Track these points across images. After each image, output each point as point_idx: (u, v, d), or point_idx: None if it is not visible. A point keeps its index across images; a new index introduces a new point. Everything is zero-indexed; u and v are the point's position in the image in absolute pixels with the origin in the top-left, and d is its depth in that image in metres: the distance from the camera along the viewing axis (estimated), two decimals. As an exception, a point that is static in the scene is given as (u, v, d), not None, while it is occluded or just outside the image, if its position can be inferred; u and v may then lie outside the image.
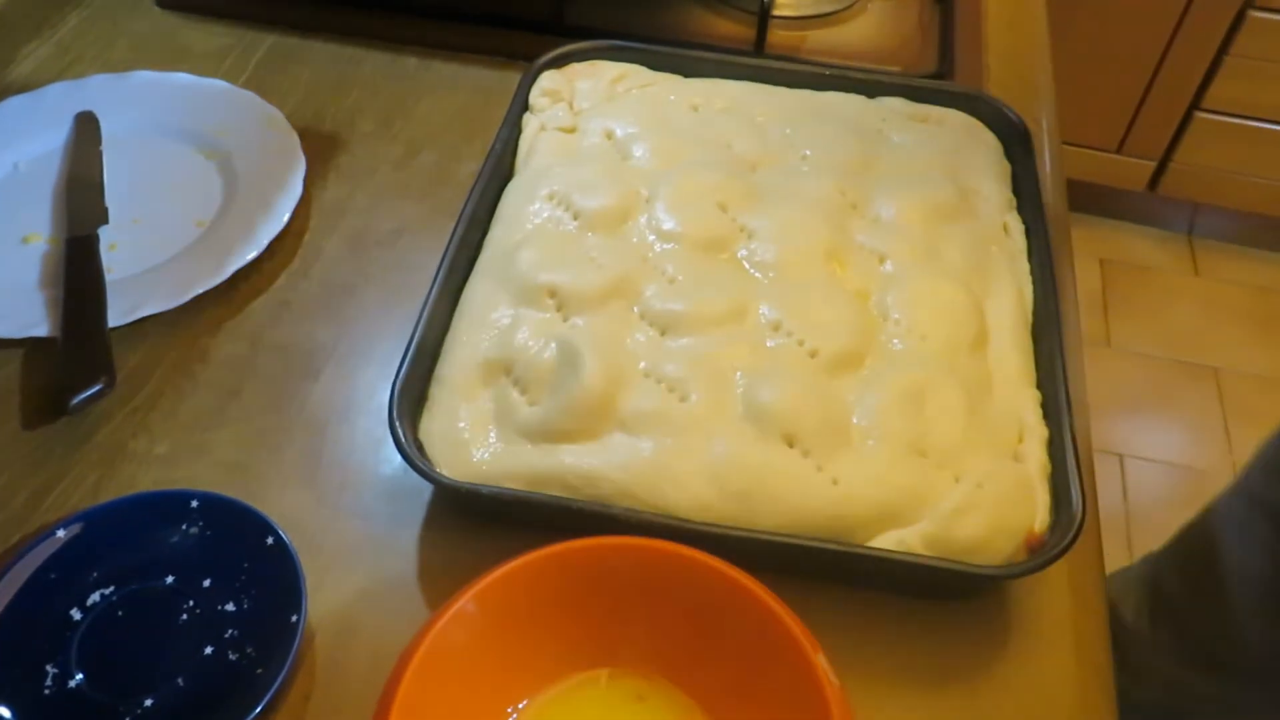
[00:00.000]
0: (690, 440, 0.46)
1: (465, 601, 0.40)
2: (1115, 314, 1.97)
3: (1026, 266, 0.56)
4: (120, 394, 0.53)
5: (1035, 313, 0.54)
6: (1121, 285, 2.02)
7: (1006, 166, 0.62)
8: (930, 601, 0.47)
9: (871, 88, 0.66)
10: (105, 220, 0.60)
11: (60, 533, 0.46)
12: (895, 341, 0.51)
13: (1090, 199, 2.07)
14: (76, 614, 0.45)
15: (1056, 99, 0.76)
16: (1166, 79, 1.81)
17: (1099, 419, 1.86)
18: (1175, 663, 0.87)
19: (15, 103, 0.68)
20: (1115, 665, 0.93)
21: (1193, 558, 0.86)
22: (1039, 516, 0.45)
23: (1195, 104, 1.82)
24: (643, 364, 0.49)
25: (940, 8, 0.80)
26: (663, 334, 0.50)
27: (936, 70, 0.74)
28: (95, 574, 0.46)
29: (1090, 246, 2.08)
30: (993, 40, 0.79)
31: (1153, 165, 1.93)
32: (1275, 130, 1.81)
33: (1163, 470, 1.75)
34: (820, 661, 0.38)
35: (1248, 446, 1.74)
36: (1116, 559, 1.64)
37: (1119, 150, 1.94)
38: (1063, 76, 1.90)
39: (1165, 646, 0.88)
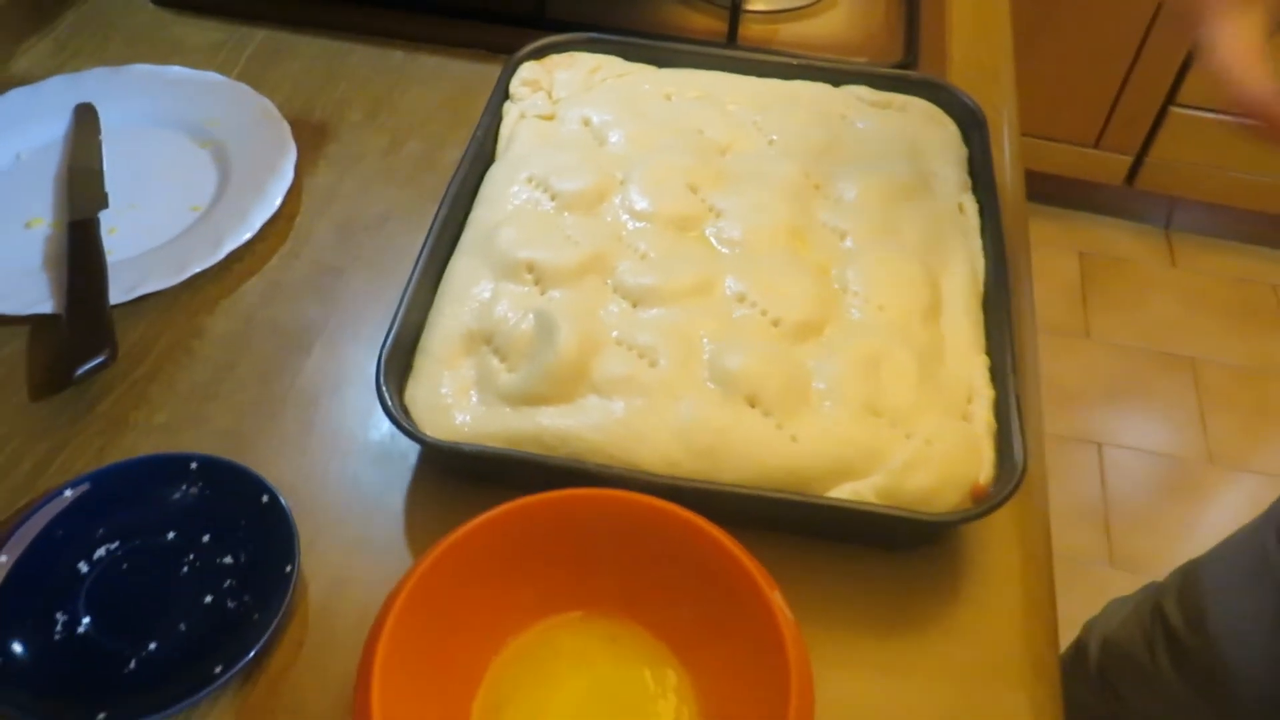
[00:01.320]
0: (659, 402, 0.49)
1: (447, 549, 0.43)
2: (1094, 306, 2.00)
3: (980, 243, 0.59)
4: (121, 367, 0.56)
5: (986, 286, 0.57)
6: (1100, 277, 2.06)
7: (963, 150, 0.65)
8: (886, 553, 0.50)
9: (837, 76, 0.69)
10: (105, 205, 0.63)
11: (68, 493, 0.49)
12: (853, 311, 0.54)
13: (1069, 193, 2.11)
14: (84, 567, 0.47)
15: (1017, 89, 0.80)
16: (1141, 75, 1.84)
17: (1078, 408, 1.90)
18: (1181, 689, 0.86)
19: (16, 95, 0.70)
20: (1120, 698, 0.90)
21: (1197, 594, 0.85)
22: (984, 470, 0.48)
23: (1170, 99, 1.86)
24: (615, 333, 0.52)
25: (906, 2, 0.83)
26: (634, 306, 0.53)
27: (902, 61, 0.77)
28: (101, 530, 0.48)
29: (1069, 239, 2.12)
30: (956, 32, 0.82)
31: (1130, 160, 1.97)
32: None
33: (1140, 458, 1.79)
34: (776, 598, 0.42)
35: (1224, 434, 1.79)
36: (1095, 545, 1.68)
37: (1096, 145, 1.98)
38: (1040, 73, 1.94)
39: (1170, 676, 0.87)
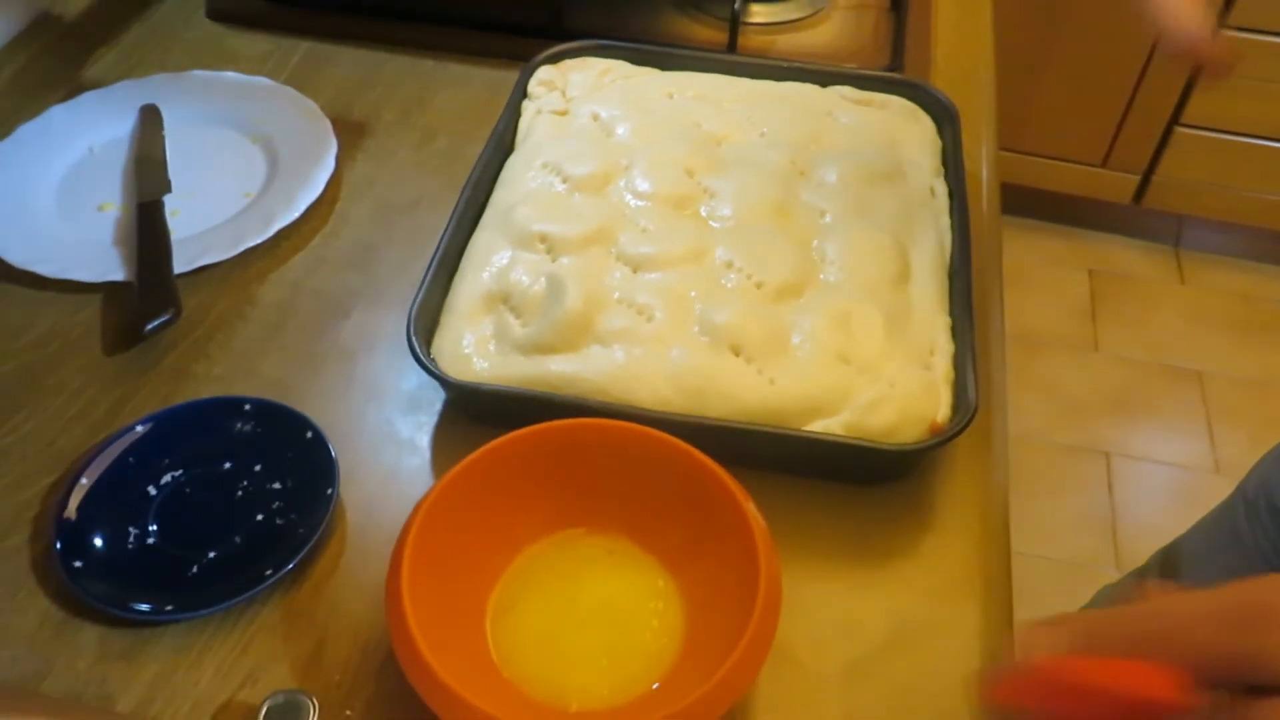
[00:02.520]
0: (654, 350, 0.56)
1: (468, 465, 0.49)
2: (1103, 321, 2.05)
3: (948, 222, 0.66)
4: (183, 328, 0.64)
5: (952, 258, 0.63)
6: (1109, 294, 2.10)
7: (938, 143, 0.72)
8: (856, 487, 0.56)
9: (825, 78, 0.76)
10: (169, 189, 0.71)
11: (139, 428, 0.56)
12: (829, 276, 0.60)
13: (1078, 212, 2.16)
14: (152, 490, 0.55)
15: (996, 91, 0.86)
16: (1146, 96, 1.89)
17: (1086, 419, 1.94)
18: None
19: (88, 97, 0.79)
20: None
21: (1175, 565, 0.90)
22: (941, 410, 0.55)
23: (1175, 119, 1.91)
24: (617, 294, 0.59)
25: (895, 15, 0.91)
26: (635, 271, 0.60)
27: (888, 66, 0.84)
28: (167, 460, 0.56)
29: (1078, 257, 2.17)
30: (940, 40, 0.89)
31: (1137, 179, 2.02)
32: (1252, 144, 1.89)
33: (1148, 468, 1.82)
34: (750, 508, 0.48)
35: (1230, 446, 1.82)
36: (1102, 552, 1.71)
37: (1103, 164, 2.02)
38: (1048, 95, 1.99)
39: None
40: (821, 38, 0.90)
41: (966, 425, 0.53)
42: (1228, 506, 0.86)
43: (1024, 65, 1.86)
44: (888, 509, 0.56)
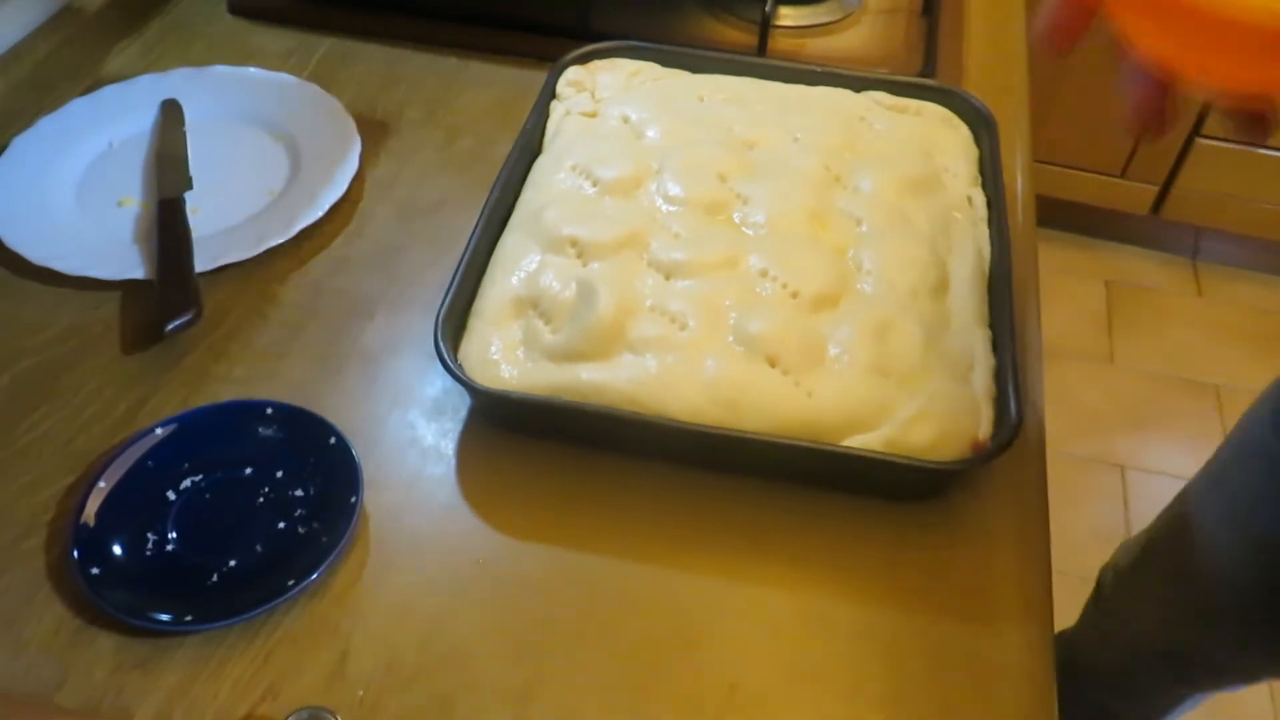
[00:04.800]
0: (687, 359, 0.54)
1: None
2: (1119, 333, 2.03)
3: (986, 232, 0.64)
4: (204, 328, 0.62)
5: (991, 268, 0.62)
6: (1126, 306, 2.08)
7: (974, 150, 0.71)
8: (892, 502, 0.55)
9: (858, 83, 0.75)
10: (190, 186, 0.70)
11: (158, 430, 0.55)
12: (866, 286, 0.59)
13: (1095, 222, 2.15)
14: (171, 495, 0.53)
15: (1044, 115, 0.85)
16: (1167, 106, 1.88)
17: (1101, 432, 1.93)
18: (1159, 606, 0.93)
19: (109, 91, 0.78)
20: (1099, 613, 1.01)
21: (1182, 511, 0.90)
22: (983, 428, 0.53)
23: (1195, 130, 1.90)
24: (649, 300, 0.57)
25: (926, 20, 0.89)
26: (667, 278, 0.59)
27: (920, 72, 0.83)
28: (187, 464, 0.54)
29: (1095, 268, 2.16)
30: (973, 48, 0.88)
31: (1156, 190, 2.00)
32: (1272, 157, 1.88)
33: (1163, 482, 1.80)
34: None
35: (1246, 459, 1.80)
36: (1117, 564, 1.69)
37: (1122, 175, 2.01)
38: (1067, 104, 1.98)
39: (1153, 591, 0.94)
40: (852, 42, 0.88)
41: (1009, 443, 0.51)
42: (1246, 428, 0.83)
43: (1044, 73, 1.85)
44: (922, 526, 0.55)
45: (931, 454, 0.52)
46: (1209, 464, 0.88)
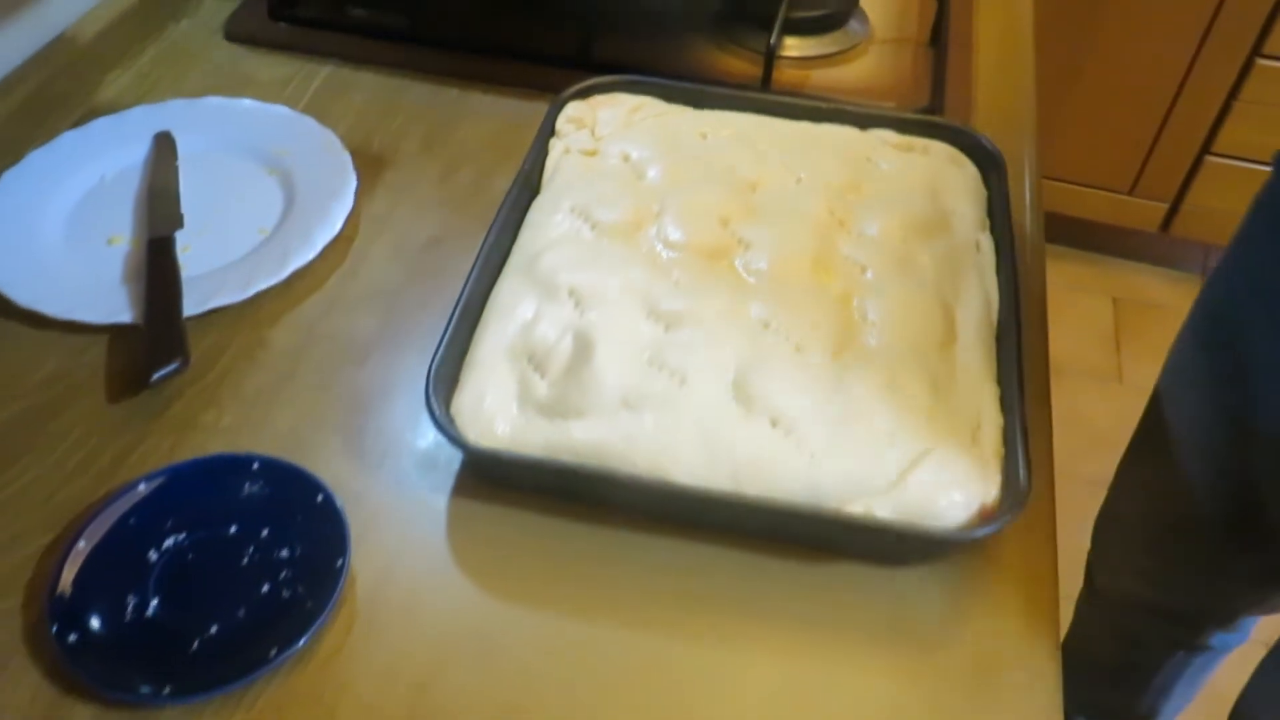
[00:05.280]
0: (686, 417, 0.53)
1: None
2: (1127, 351, 2.01)
3: (995, 279, 0.63)
4: (192, 373, 0.61)
5: (1000, 319, 0.60)
6: (1134, 323, 2.06)
7: (983, 191, 0.69)
8: (896, 567, 0.53)
9: (864, 120, 0.73)
10: (181, 224, 0.68)
11: (142, 486, 0.53)
12: (871, 339, 0.57)
13: (1104, 239, 2.13)
14: (154, 555, 0.52)
15: (1048, 134, 0.83)
16: (1177, 123, 1.86)
17: (1109, 451, 1.90)
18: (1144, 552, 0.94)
19: (102, 123, 0.76)
20: (1089, 596, 1.00)
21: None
22: (991, 492, 0.51)
23: (1206, 148, 1.88)
24: (647, 354, 0.56)
25: (934, 51, 0.88)
26: (666, 329, 0.57)
27: (928, 106, 0.81)
28: (170, 522, 0.53)
29: (1103, 285, 2.13)
30: (982, 79, 0.86)
31: (1165, 207, 1.98)
32: (1284, 174, 1.86)
33: (1171, 503, 1.78)
34: None
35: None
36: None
37: (1131, 192, 1.99)
38: (1076, 119, 1.96)
39: (1130, 536, 0.95)
40: (858, 73, 0.87)
41: (1018, 512, 0.49)
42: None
43: (1053, 89, 1.83)
44: (926, 592, 0.53)
45: (938, 520, 0.50)
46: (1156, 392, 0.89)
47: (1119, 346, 2.02)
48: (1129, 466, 0.96)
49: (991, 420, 0.54)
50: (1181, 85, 1.82)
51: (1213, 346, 0.78)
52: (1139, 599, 0.99)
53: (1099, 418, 1.91)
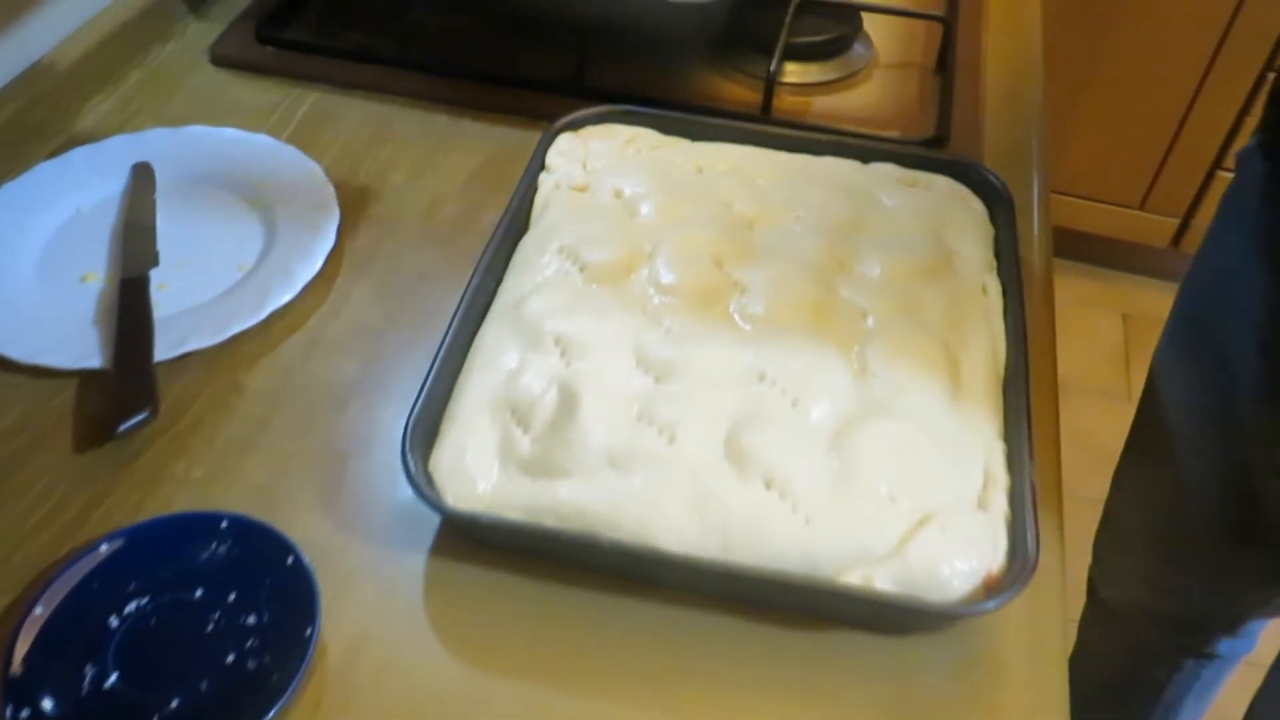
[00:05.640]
0: (675, 478, 0.50)
1: None
2: (1137, 368, 1.98)
3: (1002, 325, 0.60)
4: (162, 421, 0.59)
5: (1007, 368, 0.57)
6: (1144, 340, 2.03)
7: (990, 230, 0.66)
8: (894, 638, 0.50)
9: (866, 154, 0.70)
10: (156, 263, 0.66)
11: (104, 547, 0.51)
12: (873, 393, 0.54)
13: (1113, 254, 2.10)
14: (114, 621, 0.49)
15: (1058, 152, 0.80)
16: (1189, 138, 1.84)
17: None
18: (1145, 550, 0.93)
19: (79, 153, 0.74)
20: (1092, 608, 0.98)
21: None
22: (997, 560, 0.48)
23: (1218, 163, 1.85)
24: (636, 407, 0.53)
25: (940, 77, 0.85)
26: (656, 380, 0.55)
27: (934, 135, 0.78)
28: (133, 585, 0.50)
29: (1113, 301, 2.10)
30: (990, 106, 0.83)
31: (1176, 222, 1.96)
32: (1297, 190, 1.83)
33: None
34: None
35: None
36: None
37: (1141, 207, 1.97)
38: (1086, 133, 1.94)
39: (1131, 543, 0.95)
40: (861, 100, 0.84)
41: (1025, 584, 0.47)
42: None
43: (1063, 103, 1.80)
44: (928, 662, 0.50)
45: (941, 590, 0.48)
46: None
47: (1128, 364, 1.99)
48: (1125, 473, 0.96)
49: (998, 481, 0.52)
50: (1193, 99, 1.79)
51: (1191, 346, 0.79)
52: (1144, 607, 0.98)
53: (1106, 436, 1.86)
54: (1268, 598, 0.89)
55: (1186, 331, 0.81)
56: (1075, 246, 2.06)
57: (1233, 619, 0.95)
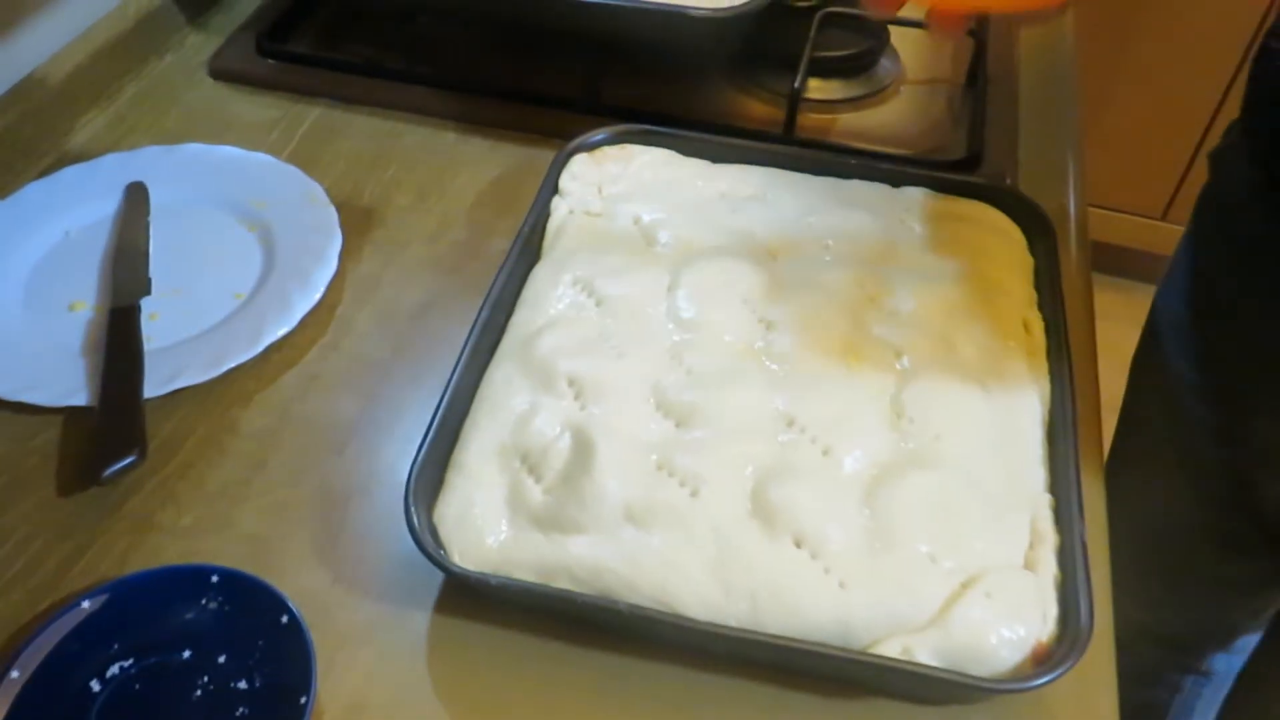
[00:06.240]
0: (699, 536, 0.46)
1: None
2: (1157, 382, 1.93)
3: (1045, 365, 0.56)
4: (151, 464, 0.55)
5: (1051, 413, 0.54)
6: (1164, 353, 1.99)
7: (1029, 261, 0.62)
8: (935, 707, 0.47)
9: (896, 177, 0.67)
10: (148, 292, 0.63)
11: (85, 604, 0.47)
12: (910, 442, 0.51)
13: (1134, 265, 2.05)
14: (96, 685, 0.46)
15: (1085, 189, 0.77)
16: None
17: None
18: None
19: (71, 172, 0.71)
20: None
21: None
22: (1047, 629, 0.45)
23: (1240, 175, 1.80)
24: (655, 456, 0.49)
25: (972, 94, 0.81)
26: (678, 425, 0.51)
27: (966, 155, 0.75)
28: (116, 645, 0.47)
29: (1132, 312, 2.04)
30: (1025, 127, 0.79)
31: (1198, 233, 1.91)
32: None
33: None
34: None
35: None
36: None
37: (1164, 218, 1.94)
38: (1106, 143, 1.90)
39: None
40: (888, 118, 0.80)
41: (1080, 657, 0.43)
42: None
43: (1086, 112, 1.76)
44: (971, 732, 0.46)
45: (986, 661, 0.44)
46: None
47: (1149, 378, 1.95)
48: (1111, 485, 0.94)
49: (1047, 539, 0.48)
50: (1217, 110, 1.76)
51: (1168, 352, 0.79)
52: (1141, 628, 0.96)
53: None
54: (1258, 608, 0.88)
55: (1163, 337, 0.80)
56: (1095, 257, 2.02)
57: (1226, 632, 0.94)
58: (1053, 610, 0.45)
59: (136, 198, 0.69)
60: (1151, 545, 0.88)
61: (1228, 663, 0.97)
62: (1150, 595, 0.92)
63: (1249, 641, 0.95)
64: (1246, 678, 0.93)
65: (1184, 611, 0.92)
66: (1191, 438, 0.77)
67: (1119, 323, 2.04)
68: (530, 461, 0.50)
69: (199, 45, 0.85)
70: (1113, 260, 2.04)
